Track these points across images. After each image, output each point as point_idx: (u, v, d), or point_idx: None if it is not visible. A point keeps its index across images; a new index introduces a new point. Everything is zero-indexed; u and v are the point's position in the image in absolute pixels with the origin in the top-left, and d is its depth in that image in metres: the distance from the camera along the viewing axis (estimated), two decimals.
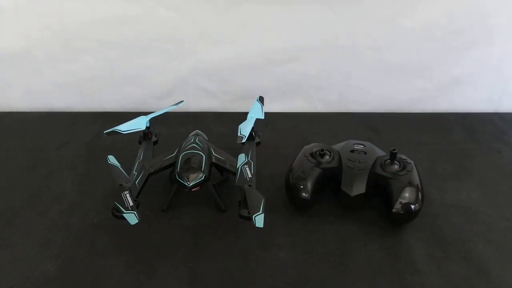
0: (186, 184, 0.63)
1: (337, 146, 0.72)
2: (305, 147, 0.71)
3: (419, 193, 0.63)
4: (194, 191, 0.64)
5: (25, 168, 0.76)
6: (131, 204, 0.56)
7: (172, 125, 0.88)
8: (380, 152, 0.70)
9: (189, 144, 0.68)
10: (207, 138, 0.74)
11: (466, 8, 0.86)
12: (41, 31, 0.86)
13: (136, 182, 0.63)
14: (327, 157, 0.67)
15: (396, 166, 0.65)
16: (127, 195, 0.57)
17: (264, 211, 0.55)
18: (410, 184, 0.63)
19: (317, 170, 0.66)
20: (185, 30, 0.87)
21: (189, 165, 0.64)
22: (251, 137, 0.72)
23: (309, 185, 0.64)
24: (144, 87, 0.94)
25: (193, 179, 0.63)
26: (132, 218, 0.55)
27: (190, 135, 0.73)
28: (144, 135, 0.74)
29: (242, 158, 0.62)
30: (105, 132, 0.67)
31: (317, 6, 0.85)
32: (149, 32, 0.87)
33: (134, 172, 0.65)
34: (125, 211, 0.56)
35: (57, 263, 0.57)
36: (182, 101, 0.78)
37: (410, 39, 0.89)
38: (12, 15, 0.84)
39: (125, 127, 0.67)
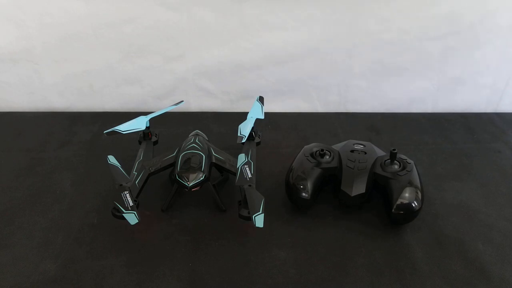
0: (186, 184, 0.62)
1: (337, 146, 0.72)
2: (305, 147, 0.71)
3: (419, 193, 0.63)
4: (194, 191, 0.64)
5: (25, 168, 0.76)
6: (131, 204, 0.56)
7: (172, 125, 0.88)
8: (380, 152, 0.70)
9: (189, 144, 0.68)
10: (207, 138, 0.74)
11: (466, 8, 0.86)
12: (41, 31, 0.86)
13: (136, 182, 0.63)
14: (327, 157, 0.68)
15: (396, 166, 0.66)
16: (127, 195, 0.57)
17: (264, 211, 0.55)
18: (410, 184, 0.63)
19: (317, 170, 0.66)
20: (185, 30, 0.87)
21: (189, 165, 0.64)
22: (251, 137, 0.72)
23: (309, 185, 0.64)
24: (144, 87, 0.94)
25: (193, 179, 0.63)
26: (132, 218, 0.56)
27: (190, 135, 0.73)
28: (144, 135, 0.74)
29: (242, 158, 0.62)
30: (105, 132, 0.67)
31: (317, 6, 0.85)
32: (149, 32, 0.87)
33: (134, 172, 0.65)
34: (125, 211, 0.56)
35: (57, 263, 0.57)
36: (182, 101, 0.78)
37: (410, 39, 0.89)
38: (12, 15, 0.84)
39: (125, 127, 0.67)
